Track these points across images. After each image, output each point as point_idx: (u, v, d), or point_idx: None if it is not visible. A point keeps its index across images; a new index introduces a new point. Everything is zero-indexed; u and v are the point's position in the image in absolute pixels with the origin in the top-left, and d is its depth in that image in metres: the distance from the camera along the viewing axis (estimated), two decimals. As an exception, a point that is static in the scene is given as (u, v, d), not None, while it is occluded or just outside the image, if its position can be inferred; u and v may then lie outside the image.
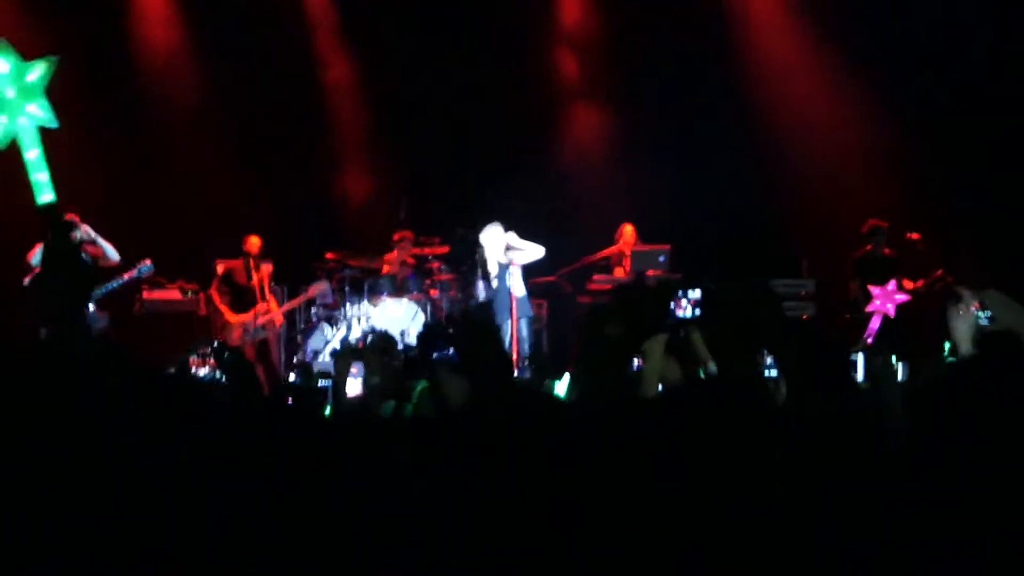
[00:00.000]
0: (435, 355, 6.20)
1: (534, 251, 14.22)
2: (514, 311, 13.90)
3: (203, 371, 5.64)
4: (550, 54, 17.09)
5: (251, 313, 14.36)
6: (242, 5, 16.16)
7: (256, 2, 16.34)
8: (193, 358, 5.48)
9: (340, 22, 16.90)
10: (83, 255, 12.85)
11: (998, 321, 4.66)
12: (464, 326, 5.08)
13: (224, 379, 5.66)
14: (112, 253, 13.17)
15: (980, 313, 5.47)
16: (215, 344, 13.25)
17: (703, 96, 15.89)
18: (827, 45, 15.81)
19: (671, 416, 2.98)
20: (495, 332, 5.28)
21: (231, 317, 14.29)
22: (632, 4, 16.46)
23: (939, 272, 13.85)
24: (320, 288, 14.78)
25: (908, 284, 13.96)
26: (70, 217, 13.17)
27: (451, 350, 6.03)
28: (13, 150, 13.65)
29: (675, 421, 2.94)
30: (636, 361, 5.06)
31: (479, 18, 16.40)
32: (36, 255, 12.94)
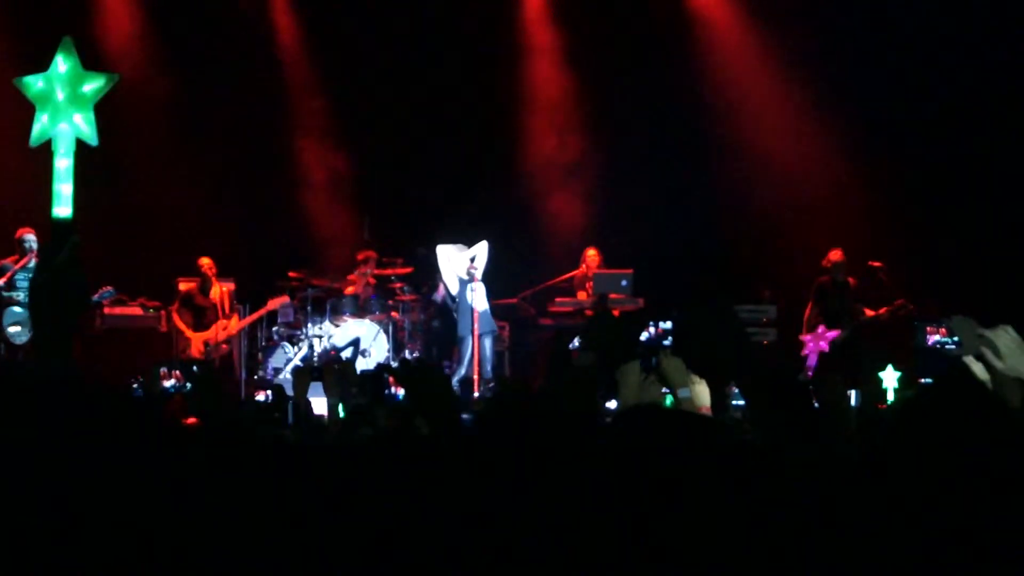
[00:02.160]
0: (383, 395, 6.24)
1: (480, 248, 14.26)
2: (476, 327, 13.89)
3: (169, 383, 5.63)
4: (516, 74, 17.10)
5: (212, 330, 14.36)
6: (207, 20, 16.13)
7: (222, 17, 16.31)
8: (162, 370, 5.48)
9: (307, 45, 16.90)
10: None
11: (965, 347, 4.65)
12: (410, 368, 5.08)
13: (191, 390, 5.64)
14: None
15: (946, 339, 5.49)
16: (183, 359, 13.28)
17: (669, 121, 15.94)
18: (795, 74, 15.88)
19: (630, 442, 2.98)
20: (443, 375, 5.26)
21: (191, 334, 14.29)
22: (601, 29, 16.47)
23: (900, 301, 13.98)
24: (280, 302, 14.77)
25: (869, 312, 14.09)
26: (24, 232, 13.25)
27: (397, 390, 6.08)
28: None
29: (635, 448, 2.94)
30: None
31: (444, 36, 16.44)
32: (8, 270, 13.07)
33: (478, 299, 13.99)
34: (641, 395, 4.85)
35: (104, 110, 15.26)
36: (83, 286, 12.08)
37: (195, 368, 5.29)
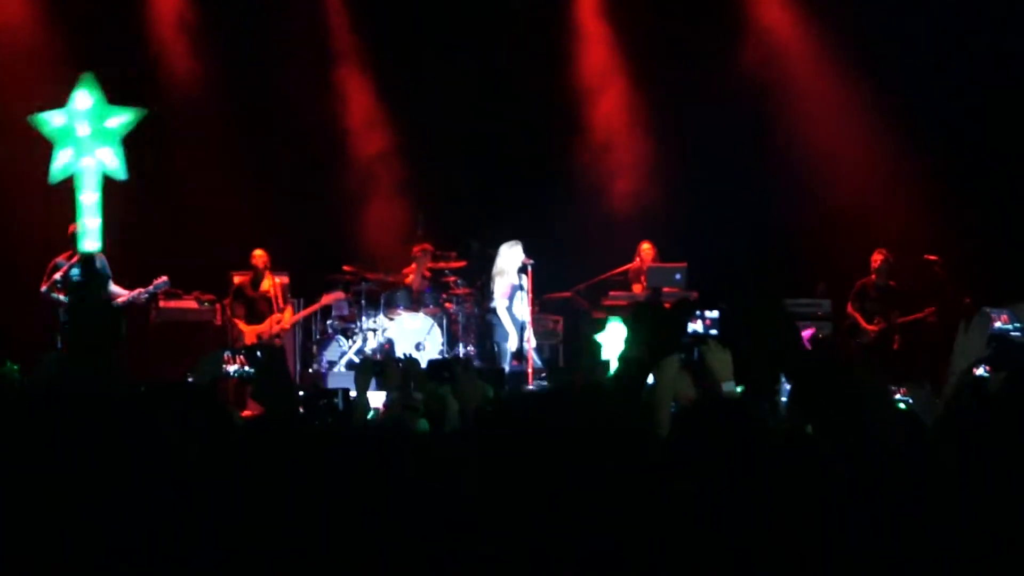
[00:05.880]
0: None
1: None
2: (529, 337, 13.87)
3: (232, 368, 5.63)
4: (571, 66, 17.07)
5: (266, 323, 14.40)
6: (258, 13, 16.22)
7: (273, 8, 16.39)
8: (227, 355, 5.49)
9: (361, 38, 16.92)
10: (110, 304, 12.71)
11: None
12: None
13: (256, 374, 5.60)
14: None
15: (1008, 326, 5.43)
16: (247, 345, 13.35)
17: (724, 117, 15.86)
18: (852, 70, 15.79)
19: (681, 438, 2.98)
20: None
21: (244, 327, 14.35)
22: (657, 26, 16.43)
23: (948, 292, 13.96)
24: (335, 297, 14.82)
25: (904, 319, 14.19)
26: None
27: None
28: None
29: (685, 444, 2.95)
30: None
31: (499, 28, 16.44)
32: (62, 266, 13.03)
33: (523, 309, 13.94)
34: (677, 390, 4.85)
35: (158, 105, 15.40)
36: (113, 322, 11.98)
37: (259, 353, 5.24)
